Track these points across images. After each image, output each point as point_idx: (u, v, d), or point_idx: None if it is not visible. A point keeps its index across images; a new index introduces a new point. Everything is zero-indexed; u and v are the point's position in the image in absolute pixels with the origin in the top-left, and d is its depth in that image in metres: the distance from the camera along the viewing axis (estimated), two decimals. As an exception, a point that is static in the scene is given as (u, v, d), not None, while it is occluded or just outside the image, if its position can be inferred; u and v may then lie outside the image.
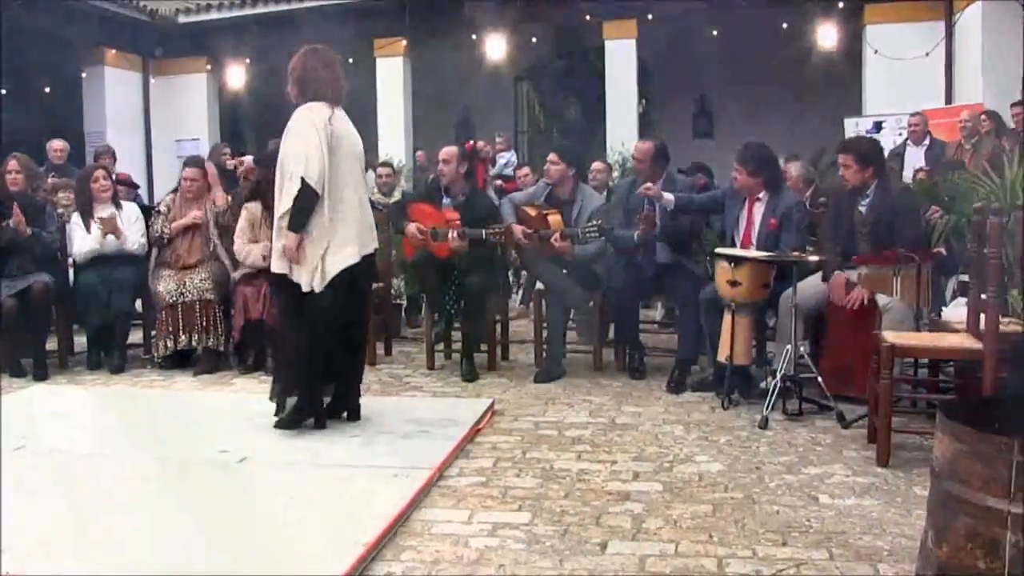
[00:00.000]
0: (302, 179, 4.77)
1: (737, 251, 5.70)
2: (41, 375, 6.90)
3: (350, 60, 9.40)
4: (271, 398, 5.27)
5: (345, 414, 5.24)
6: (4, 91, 12.62)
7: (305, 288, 4.90)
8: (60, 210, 7.96)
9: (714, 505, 3.90)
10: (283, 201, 4.87)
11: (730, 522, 3.71)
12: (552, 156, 6.84)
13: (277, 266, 4.98)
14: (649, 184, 6.24)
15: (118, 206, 7.31)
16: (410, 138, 14.58)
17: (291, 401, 5.05)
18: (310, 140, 4.81)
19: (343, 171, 4.91)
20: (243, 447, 4.77)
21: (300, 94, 5.00)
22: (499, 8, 13.79)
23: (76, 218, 7.25)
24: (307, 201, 4.82)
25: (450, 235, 6.44)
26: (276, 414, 5.13)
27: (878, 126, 11.48)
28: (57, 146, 10.11)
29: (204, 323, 6.99)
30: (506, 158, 12.14)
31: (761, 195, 5.99)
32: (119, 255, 7.18)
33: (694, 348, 6.24)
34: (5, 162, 7.26)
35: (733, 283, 5.51)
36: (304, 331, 4.96)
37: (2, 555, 3.40)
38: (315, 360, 4.96)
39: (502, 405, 5.74)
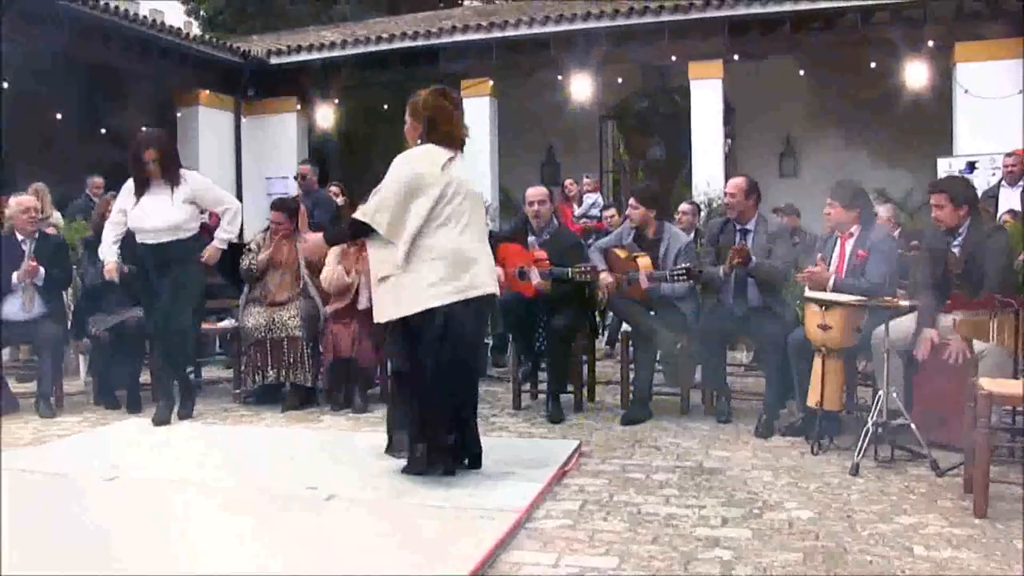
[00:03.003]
0: (365, 211, 4.85)
1: (828, 295, 5.64)
2: (134, 407, 7.08)
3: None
4: (389, 447, 5.21)
5: (467, 460, 5.11)
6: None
7: (381, 319, 4.92)
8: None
9: (805, 554, 3.84)
10: (397, 237, 4.83)
11: (821, 572, 3.65)
12: (632, 200, 6.88)
13: (379, 316, 4.97)
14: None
15: None
16: (496, 177, 14.70)
17: (416, 445, 5.00)
18: (390, 187, 4.82)
19: (445, 213, 4.83)
20: (330, 484, 4.82)
21: (425, 134, 4.97)
22: (585, 48, 13.91)
23: None
24: (355, 229, 4.99)
25: (532, 272, 6.48)
26: (387, 450, 5.14)
27: (971, 166, 11.30)
28: None
29: (292, 359, 7.10)
30: (593, 199, 12.18)
31: (853, 230, 5.93)
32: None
33: (782, 392, 6.17)
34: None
35: (824, 327, 5.44)
36: (421, 376, 4.91)
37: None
38: (434, 404, 4.90)
39: (589, 447, 5.73)
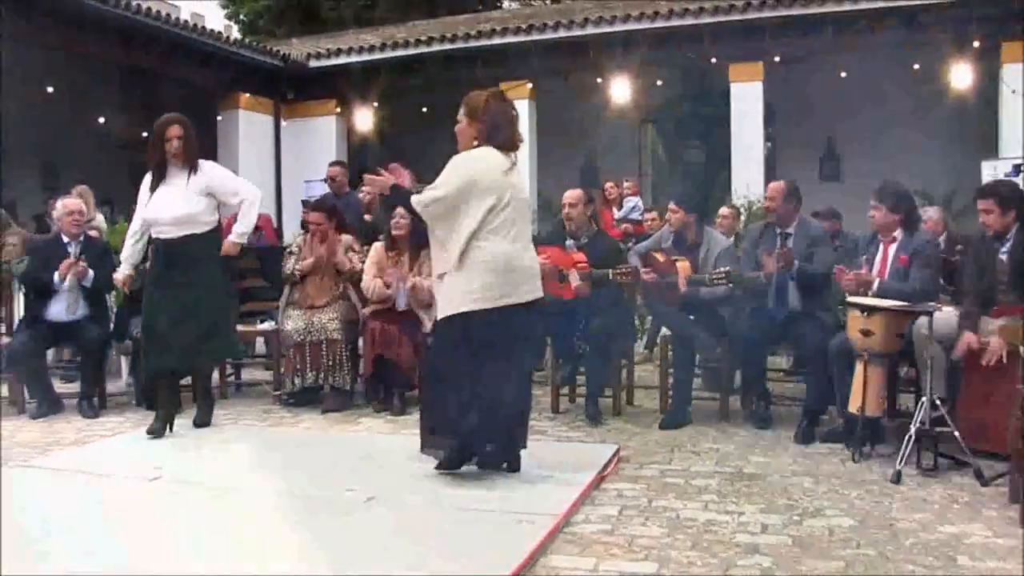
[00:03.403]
0: (420, 200, 4.92)
1: (870, 300, 5.58)
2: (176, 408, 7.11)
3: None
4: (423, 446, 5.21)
5: (505, 465, 5.13)
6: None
7: (439, 315, 5.00)
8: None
9: (846, 562, 3.80)
10: (450, 240, 4.91)
11: (863, 581, 3.62)
12: (672, 205, 6.86)
13: (439, 312, 5.06)
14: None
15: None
16: (535, 180, 14.67)
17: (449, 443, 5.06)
18: (448, 184, 4.88)
19: (499, 220, 4.88)
20: (369, 486, 4.83)
21: (486, 137, 4.99)
22: (624, 51, 13.87)
23: None
24: (403, 200, 5.06)
25: (572, 275, 6.47)
26: (421, 449, 5.14)
27: (1017, 169, 11.12)
28: None
29: (331, 362, 7.13)
30: (633, 202, 12.13)
31: (897, 234, 5.88)
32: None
33: (823, 398, 6.11)
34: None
35: (866, 332, 5.39)
36: (460, 375, 4.95)
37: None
38: (470, 403, 4.93)
39: (627, 451, 5.71)
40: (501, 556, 3.76)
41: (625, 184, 12.57)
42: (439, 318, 5.05)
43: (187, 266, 6.20)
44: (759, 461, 5.50)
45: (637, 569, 3.73)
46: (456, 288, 4.86)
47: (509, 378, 4.97)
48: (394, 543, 4.06)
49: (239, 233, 6.47)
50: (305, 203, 10.68)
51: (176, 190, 6.18)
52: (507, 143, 5.03)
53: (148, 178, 6.33)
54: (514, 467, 5.11)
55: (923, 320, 5.27)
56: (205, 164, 6.38)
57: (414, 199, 4.96)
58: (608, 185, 12.27)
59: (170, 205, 6.16)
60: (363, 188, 10.22)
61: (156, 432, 6.16)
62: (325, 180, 10.49)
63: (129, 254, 6.47)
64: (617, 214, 11.89)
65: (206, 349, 6.38)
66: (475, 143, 5.03)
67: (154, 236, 6.31)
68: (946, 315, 5.48)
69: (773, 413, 6.55)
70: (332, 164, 10.76)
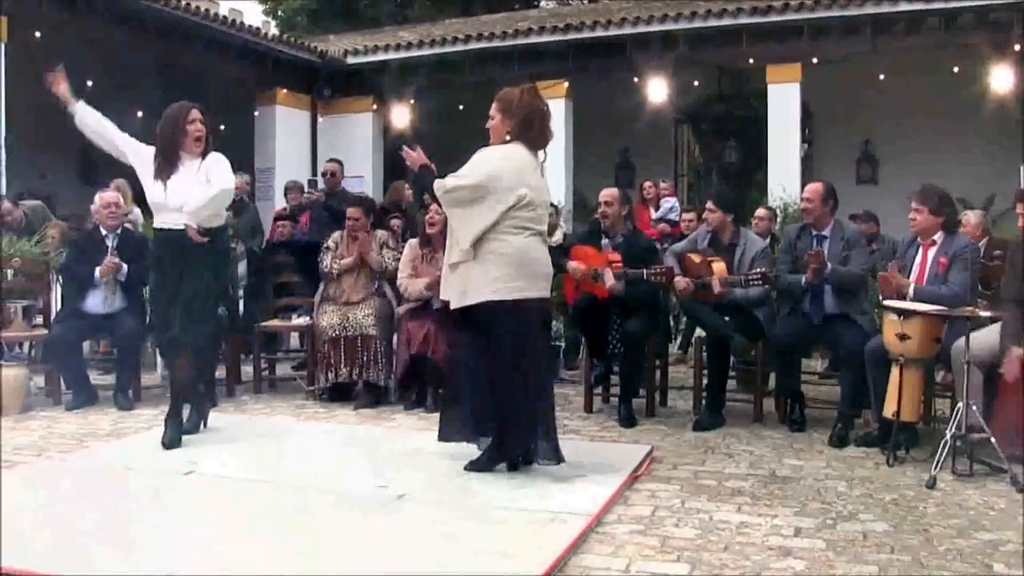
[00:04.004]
0: (442, 184, 4.97)
1: (907, 304, 5.54)
2: (210, 402, 7.16)
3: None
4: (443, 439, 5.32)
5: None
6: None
7: (453, 304, 5.04)
8: (233, 244, 8.29)
9: (880, 567, 3.78)
10: (463, 230, 4.96)
11: (898, 586, 3.60)
12: (709, 204, 6.83)
13: (450, 300, 5.10)
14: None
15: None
16: (570, 179, 14.67)
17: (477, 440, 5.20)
18: (469, 176, 4.94)
19: (518, 219, 4.93)
20: (401, 483, 4.86)
21: (517, 132, 5.02)
22: (661, 50, 13.84)
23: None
24: (427, 179, 5.10)
25: (606, 274, 6.46)
26: (438, 434, 5.24)
27: (1058, 173, 11.03)
28: (238, 183, 10.17)
29: (366, 358, 7.17)
30: (671, 203, 12.08)
31: (937, 236, 5.84)
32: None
33: (858, 402, 6.08)
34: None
35: (902, 336, 5.35)
36: (481, 369, 5.05)
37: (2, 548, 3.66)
38: (504, 398, 5.00)
39: (660, 452, 5.70)
40: (533, 555, 3.76)
41: (662, 185, 12.52)
42: (452, 307, 5.08)
43: (205, 256, 5.80)
44: (793, 464, 5.48)
45: (669, 570, 3.72)
46: (474, 278, 4.92)
47: (521, 371, 4.99)
48: (426, 540, 4.07)
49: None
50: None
51: (195, 178, 5.78)
52: (538, 139, 5.07)
53: (150, 165, 5.82)
54: (527, 459, 5.16)
55: (960, 340, 5.24)
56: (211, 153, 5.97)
57: (437, 183, 5.01)
58: (647, 185, 12.23)
59: (191, 192, 5.72)
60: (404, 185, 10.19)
61: (175, 442, 5.76)
62: (322, 175, 10.45)
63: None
64: (654, 214, 11.84)
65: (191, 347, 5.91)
66: (506, 139, 5.06)
67: (172, 227, 5.76)
68: (985, 333, 5.44)
69: (807, 416, 6.51)
70: (330, 160, 10.78)
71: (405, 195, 10.30)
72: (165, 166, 5.75)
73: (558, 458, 5.07)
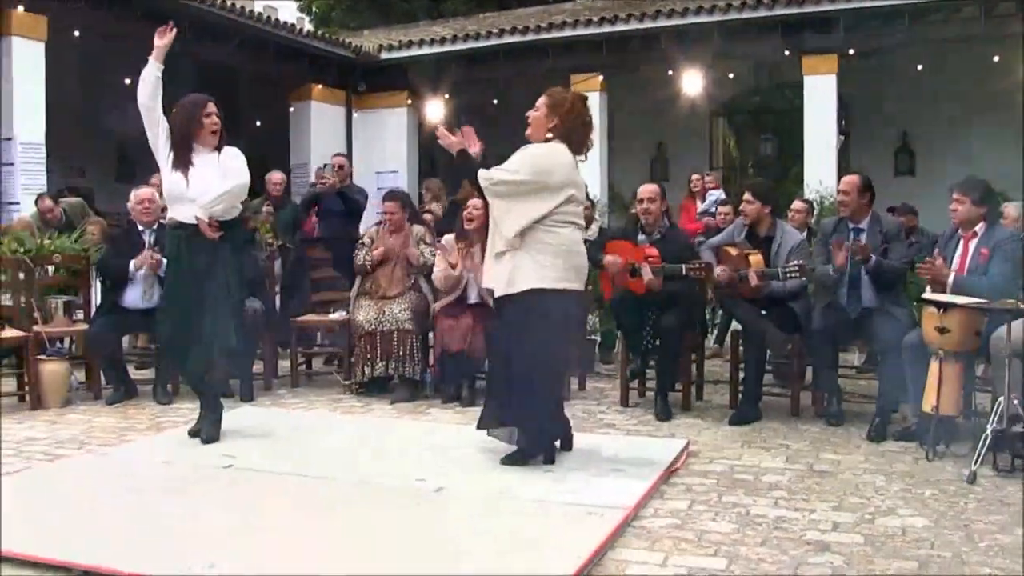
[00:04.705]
0: (488, 176, 5.06)
1: (947, 296, 5.49)
2: (247, 396, 7.25)
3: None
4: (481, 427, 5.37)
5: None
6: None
7: (497, 289, 5.14)
8: (269, 238, 8.34)
9: (920, 562, 3.75)
10: (507, 221, 5.04)
11: (938, 582, 3.57)
12: (747, 195, 6.77)
13: (489, 281, 5.28)
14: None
15: None
16: (605, 173, 14.64)
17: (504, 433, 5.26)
18: (520, 170, 5.03)
19: (566, 213, 5.08)
20: (439, 477, 4.86)
21: (560, 134, 5.14)
22: (696, 43, 13.78)
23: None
24: (468, 168, 5.16)
25: (644, 269, 6.44)
26: (478, 426, 5.32)
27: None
28: (276, 179, 10.16)
29: (401, 352, 7.17)
30: (715, 196, 11.98)
31: (978, 228, 5.78)
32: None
33: (896, 395, 6.03)
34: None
35: (942, 330, 5.30)
36: (522, 359, 5.07)
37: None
38: (535, 390, 5.07)
39: (697, 446, 5.68)
40: (570, 549, 3.75)
41: (708, 178, 12.43)
42: (498, 296, 5.17)
43: (227, 251, 5.69)
44: (830, 458, 5.44)
45: (706, 564, 3.71)
46: (521, 267, 5.00)
47: (556, 360, 5.17)
48: (463, 533, 4.08)
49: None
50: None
51: (212, 169, 5.64)
52: (579, 145, 5.22)
53: (169, 157, 5.65)
54: (566, 445, 5.36)
55: (1002, 331, 5.18)
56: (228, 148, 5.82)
57: (482, 173, 5.08)
58: (694, 178, 12.11)
59: (212, 184, 5.58)
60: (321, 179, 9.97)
61: (213, 437, 5.73)
62: (331, 168, 10.30)
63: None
64: (700, 207, 11.75)
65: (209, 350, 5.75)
66: (549, 135, 5.14)
67: (180, 219, 5.65)
68: None
69: (844, 410, 6.46)
70: (337, 154, 10.72)
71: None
72: (182, 157, 5.62)
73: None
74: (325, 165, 9.98)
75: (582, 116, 5.22)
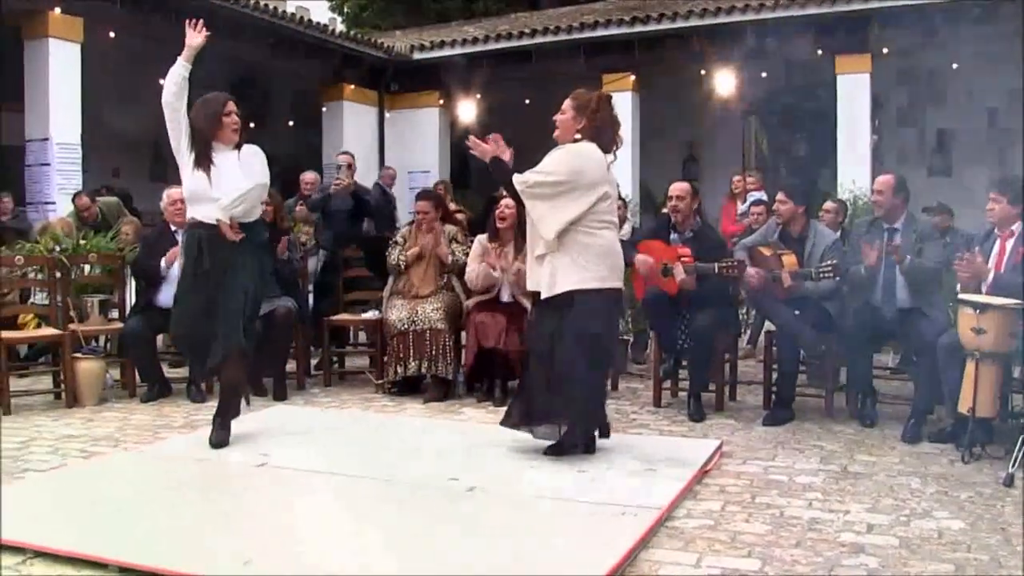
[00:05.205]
0: (524, 179, 5.16)
1: (983, 297, 5.44)
2: (281, 395, 7.29)
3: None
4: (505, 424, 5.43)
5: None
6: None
7: (541, 291, 5.20)
8: (303, 238, 8.37)
9: (956, 565, 3.72)
10: (545, 223, 5.12)
11: (974, 585, 3.54)
12: (780, 195, 6.74)
13: (532, 284, 5.35)
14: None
15: None
16: (637, 172, 14.62)
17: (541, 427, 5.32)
18: (555, 172, 5.12)
19: (603, 211, 5.17)
20: (472, 476, 4.87)
21: (589, 134, 5.21)
22: (728, 42, 13.73)
23: None
24: (503, 173, 5.26)
25: (676, 268, 6.43)
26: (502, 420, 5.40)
27: None
28: (309, 179, 10.18)
29: (434, 351, 7.18)
30: (755, 196, 11.88)
31: (1015, 227, 5.73)
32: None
33: (931, 397, 5.99)
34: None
35: (978, 331, 5.26)
36: (563, 355, 5.13)
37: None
38: (574, 384, 5.13)
39: (730, 447, 5.67)
40: (603, 548, 3.76)
41: (749, 178, 12.36)
42: (543, 297, 5.21)
43: (248, 250, 5.59)
44: (865, 460, 5.41)
45: (740, 565, 3.70)
46: (562, 268, 5.09)
47: (597, 354, 5.20)
48: (496, 532, 4.09)
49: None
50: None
51: (233, 168, 5.55)
52: (609, 145, 5.27)
53: (190, 156, 5.55)
54: (590, 449, 5.35)
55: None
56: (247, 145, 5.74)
57: (517, 177, 5.17)
58: (735, 179, 11.99)
59: (236, 184, 5.49)
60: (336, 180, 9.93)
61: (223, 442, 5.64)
62: (338, 167, 10.23)
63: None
64: (740, 208, 11.66)
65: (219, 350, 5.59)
66: (577, 136, 5.22)
67: (200, 220, 5.54)
68: None
69: (879, 411, 6.43)
70: (343, 152, 10.66)
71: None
72: (204, 156, 5.53)
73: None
74: (339, 167, 10.00)
75: (609, 115, 5.27)
